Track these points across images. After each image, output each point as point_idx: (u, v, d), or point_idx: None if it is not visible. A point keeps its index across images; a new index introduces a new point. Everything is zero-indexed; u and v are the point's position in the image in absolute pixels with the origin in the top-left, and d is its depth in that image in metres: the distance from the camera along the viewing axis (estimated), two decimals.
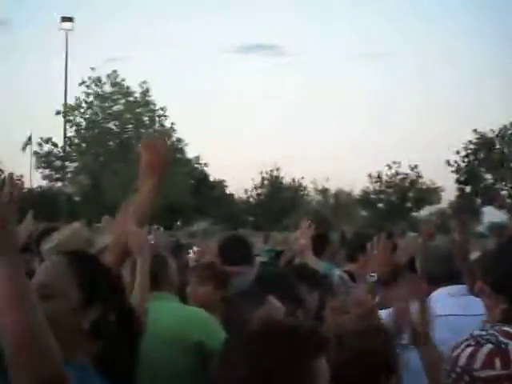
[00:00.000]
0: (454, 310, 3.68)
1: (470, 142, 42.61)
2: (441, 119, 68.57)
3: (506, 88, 72.01)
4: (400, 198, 49.07)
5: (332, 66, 71.74)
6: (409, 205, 49.20)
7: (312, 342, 1.85)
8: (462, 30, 69.81)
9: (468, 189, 43.03)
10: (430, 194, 49.24)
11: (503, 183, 42.17)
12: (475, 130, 42.34)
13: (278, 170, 50.77)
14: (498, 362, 1.89)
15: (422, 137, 68.77)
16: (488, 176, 42.62)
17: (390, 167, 50.18)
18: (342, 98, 68.71)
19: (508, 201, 40.48)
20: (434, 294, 3.85)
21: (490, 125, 45.14)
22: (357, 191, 52.05)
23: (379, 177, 50.54)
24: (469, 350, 1.94)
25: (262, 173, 51.04)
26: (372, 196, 50.66)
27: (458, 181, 43.08)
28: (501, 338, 1.94)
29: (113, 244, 3.25)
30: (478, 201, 43.24)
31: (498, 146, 42.23)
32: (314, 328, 1.96)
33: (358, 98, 69.57)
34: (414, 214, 49.64)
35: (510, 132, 41.83)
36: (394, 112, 68.93)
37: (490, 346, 1.93)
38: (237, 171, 70.52)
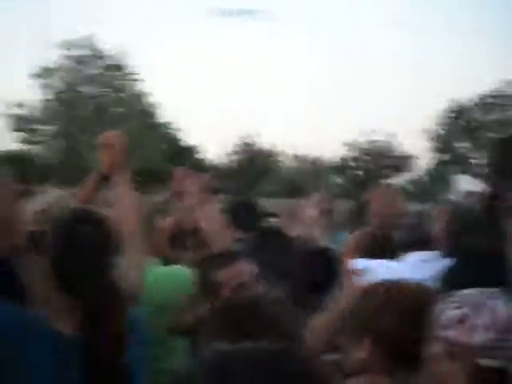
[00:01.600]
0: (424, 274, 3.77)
1: (447, 110, 42.77)
2: (418, 88, 68.73)
3: (484, 57, 72.19)
4: (376, 165, 49.27)
5: (309, 31, 71.45)
6: (385, 172, 49.42)
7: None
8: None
9: (444, 157, 43.27)
10: (406, 162, 49.48)
11: (478, 151, 42.47)
12: (452, 99, 42.50)
13: (254, 135, 50.75)
14: (459, 329, 1.96)
15: (399, 105, 68.90)
16: (464, 144, 42.87)
17: (367, 135, 50.35)
18: (319, 61, 68.55)
19: (482, 169, 40.80)
20: (405, 259, 4.02)
21: (468, 94, 45.35)
22: (333, 159, 52.21)
23: (356, 144, 50.70)
24: (446, 307, 2.02)
25: (237, 138, 51.02)
26: (349, 163, 50.83)
27: (433, 149, 43.27)
28: (473, 308, 1.98)
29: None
30: (454, 169, 43.55)
31: (474, 115, 42.42)
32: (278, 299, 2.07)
33: (333, 65, 69.50)
34: (391, 181, 49.89)
35: (487, 101, 42.01)
36: (371, 81, 68.95)
37: (461, 311, 1.99)
38: (214, 137, 70.35)
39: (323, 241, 5.27)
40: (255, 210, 5.35)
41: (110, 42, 42.62)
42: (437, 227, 4.51)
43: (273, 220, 9.22)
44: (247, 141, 50.86)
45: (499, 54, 66.60)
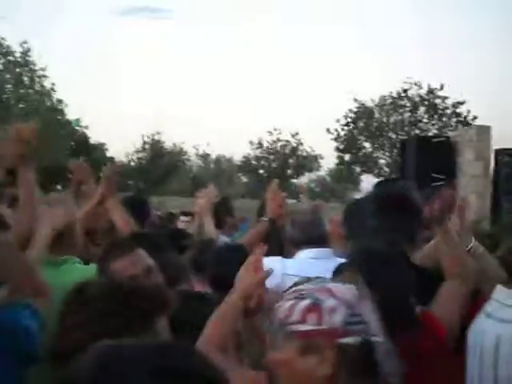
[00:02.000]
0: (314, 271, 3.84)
1: (350, 110, 43.42)
2: (321, 88, 69.61)
3: (386, 59, 73.67)
4: (280, 164, 49.69)
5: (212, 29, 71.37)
6: (289, 171, 49.89)
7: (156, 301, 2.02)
8: None
9: (347, 157, 43.91)
10: (309, 162, 50.07)
11: (382, 151, 43.25)
12: (355, 99, 43.15)
13: (159, 134, 50.47)
14: (311, 318, 1.94)
15: (303, 104, 69.67)
16: (367, 144, 43.59)
17: (271, 134, 50.71)
18: (222, 60, 68.67)
19: (386, 169, 41.60)
20: (296, 255, 4.12)
21: (371, 94, 46.17)
22: (238, 157, 52.39)
23: (260, 143, 50.98)
24: (288, 303, 1.99)
25: (143, 137, 50.62)
26: (253, 162, 51.07)
27: (337, 149, 43.87)
28: (317, 295, 1.97)
29: None
30: (358, 169, 44.25)
31: (377, 115, 43.18)
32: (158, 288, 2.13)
33: (237, 64, 69.71)
34: (294, 180, 50.42)
35: (388, 101, 42.81)
36: (277, 79, 69.41)
37: (307, 301, 1.97)
38: (119, 134, 69.54)
39: (211, 226, 5.40)
40: (143, 207, 5.39)
41: (13, 39, 41.56)
42: (331, 225, 4.63)
43: (184, 219, 9.23)
44: (154, 139, 50.54)
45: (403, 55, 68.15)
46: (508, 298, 2.74)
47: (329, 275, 3.29)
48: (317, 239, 4.21)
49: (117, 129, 65.61)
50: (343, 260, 3.30)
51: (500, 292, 2.83)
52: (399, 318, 2.37)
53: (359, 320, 1.92)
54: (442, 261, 3.10)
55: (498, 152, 18.83)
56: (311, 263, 3.96)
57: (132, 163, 50.56)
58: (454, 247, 3.09)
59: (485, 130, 19.21)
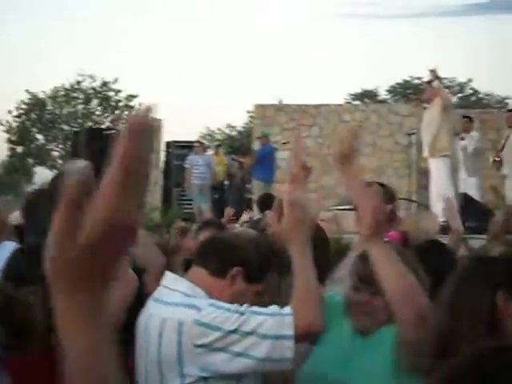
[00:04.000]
0: None
1: (23, 101, 42.48)
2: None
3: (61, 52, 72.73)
4: None
5: None
6: None
7: None
8: None
9: (20, 149, 42.93)
10: None
11: (55, 143, 42.90)
12: (27, 90, 42.29)
13: None
14: None
15: None
16: (40, 136, 42.93)
17: None
18: None
19: (60, 161, 41.29)
20: None
21: (42, 86, 45.41)
22: None
23: None
24: None
25: None
26: None
27: (9, 140, 42.71)
28: None
29: None
30: (31, 161, 43.43)
31: (49, 107, 42.68)
32: None
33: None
34: None
35: (61, 93, 42.53)
36: None
37: None
38: None
39: None
40: None
41: None
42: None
43: None
44: None
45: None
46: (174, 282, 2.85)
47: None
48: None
49: None
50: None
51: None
52: None
53: None
54: None
55: (169, 144, 19.68)
56: None
57: None
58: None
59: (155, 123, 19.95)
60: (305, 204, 2.72)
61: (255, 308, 2.67)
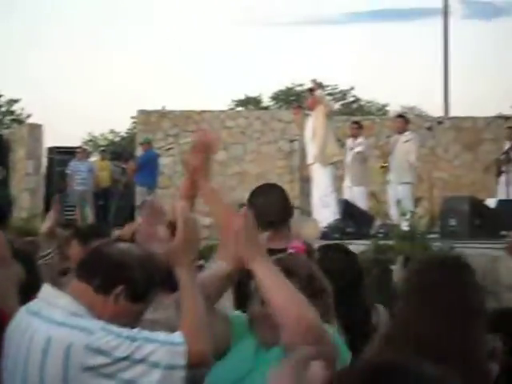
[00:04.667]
0: None
1: None
2: None
3: None
4: None
5: None
6: None
7: None
8: None
9: None
10: None
11: None
12: None
13: None
14: None
15: None
16: None
17: None
18: None
19: None
20: None
21: None
22: None
23: None
24: None
25: None
26: None
27: None
28: None
29: None
30: None
31: None
32: None
33: None
34: None
35: None
36: None
37: None
38: None
39: None
40: None
41: None
42: None
43: None
44: None
45: None
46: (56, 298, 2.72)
47: None
48: None
49: None
50: None
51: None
52: None
53: None
54: None
55: (51, 150, 19.32)
56: None
57: None
58: None
59: (37, 129, 19.55)
60: (196, 224, 2.63)
61: (147, 333, 2.62)
